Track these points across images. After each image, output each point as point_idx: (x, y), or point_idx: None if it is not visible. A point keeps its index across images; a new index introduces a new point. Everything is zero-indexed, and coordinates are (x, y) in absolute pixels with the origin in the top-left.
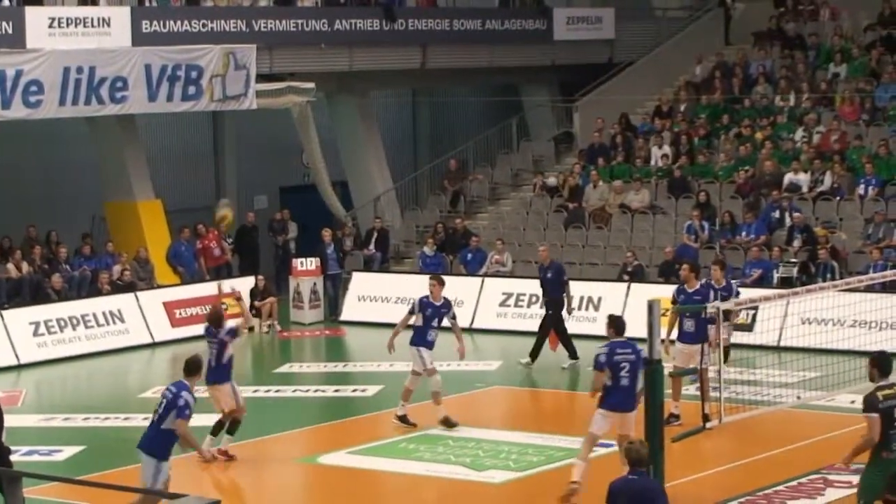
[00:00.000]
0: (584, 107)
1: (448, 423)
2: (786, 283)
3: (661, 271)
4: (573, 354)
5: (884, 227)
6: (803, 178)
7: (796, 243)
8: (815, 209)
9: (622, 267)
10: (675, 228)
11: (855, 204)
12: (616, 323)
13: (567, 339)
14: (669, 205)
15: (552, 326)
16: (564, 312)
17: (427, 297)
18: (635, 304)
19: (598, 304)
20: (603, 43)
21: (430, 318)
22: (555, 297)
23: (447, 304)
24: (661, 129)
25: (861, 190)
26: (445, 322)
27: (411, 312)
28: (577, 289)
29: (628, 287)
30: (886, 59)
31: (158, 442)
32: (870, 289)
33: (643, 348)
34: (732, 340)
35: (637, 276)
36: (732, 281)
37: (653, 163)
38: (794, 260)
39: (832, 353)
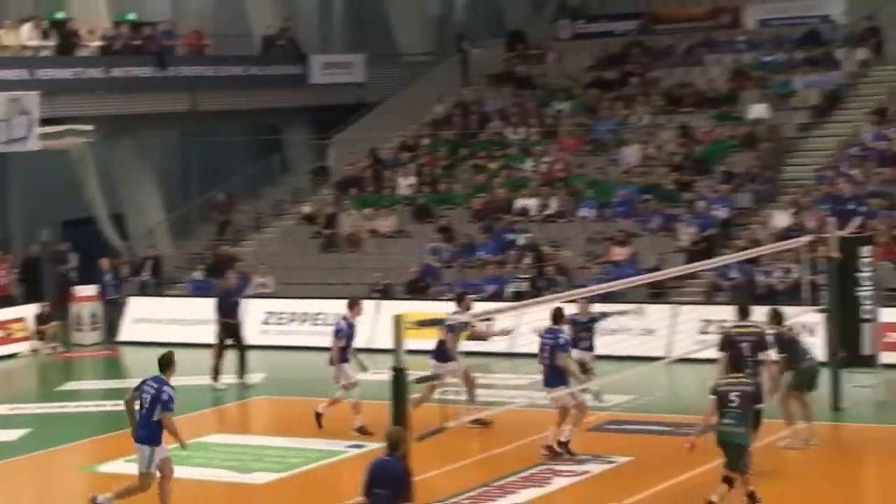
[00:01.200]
0: (338, 143)
1: (364, 432)
2: (518, 296)
3: (408, 289)
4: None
5: (602, 244)
6: (532, 203)
7: (527, 261)
8: (543, 230)
9: (373, 286)
10: (419, 250)
11: (577, 225)
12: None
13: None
14: (415, 229)
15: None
16: None
17: None
18: (384, 318)
19: None
20: (355, 86)
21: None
22: (231, 319)
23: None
24: (407, 161)
25: (583, 212)
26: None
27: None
28: (334, 307)
29: (378, 304)
30: (603, 96)
31: (151, 432)
32: (592, 299)
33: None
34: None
35: (386, 293)
36: None
37: (399, 192)
38: (524, 276)
39: None
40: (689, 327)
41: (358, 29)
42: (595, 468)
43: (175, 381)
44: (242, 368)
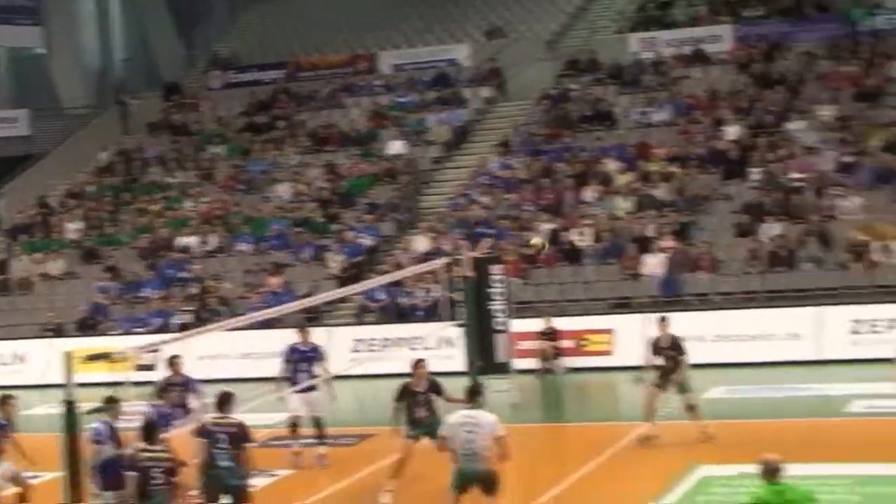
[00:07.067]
0: (8, 193)
1: None
2: (183, 327)
3: (79, 326)
4: None
5: (259, 275)
6: (193, 241)
7: (190, 294)
8: (205, 265)
9: (44, 325)
10: (88, 290)
11: (236, 258)
12: None
13: None
14: (83, 270)
15: None
16: None
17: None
18: (57, 356)
19: (23, 358)
20: (20, 139)
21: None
22: None
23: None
24: (74, 207)
25: (240, 246)
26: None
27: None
28: (6, 348)
29: (51, 342)
30: (255, 139)
31: None
32: (252, 326)
33: None
34: None
35: (58, 332)
36: None
37: (68, 236)
38: (189, 308)
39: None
40: (342, 347)
41: (21, 84)
42: (260, 482)
43: None
44: None
